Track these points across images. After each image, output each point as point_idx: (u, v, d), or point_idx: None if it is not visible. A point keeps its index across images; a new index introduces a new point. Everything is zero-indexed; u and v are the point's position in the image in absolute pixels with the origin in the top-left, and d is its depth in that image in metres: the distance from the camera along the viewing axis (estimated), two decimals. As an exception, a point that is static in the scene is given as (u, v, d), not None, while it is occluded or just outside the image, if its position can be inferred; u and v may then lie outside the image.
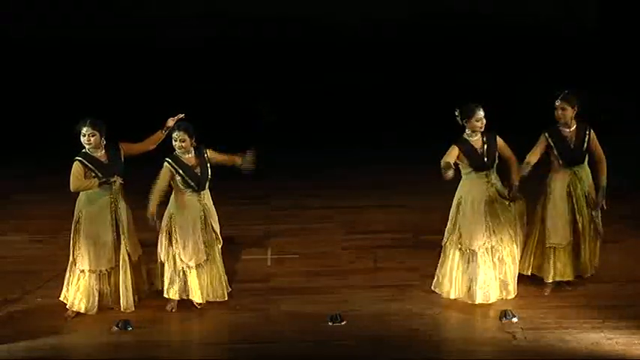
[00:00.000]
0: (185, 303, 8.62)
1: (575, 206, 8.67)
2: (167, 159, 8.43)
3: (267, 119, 13.94)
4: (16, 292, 8.99)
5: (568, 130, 8.58)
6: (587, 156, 8.67)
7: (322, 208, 11.00)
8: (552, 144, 8.58)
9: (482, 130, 8.45)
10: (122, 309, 8.54)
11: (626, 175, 11.35)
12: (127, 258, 8.50)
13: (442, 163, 8.30)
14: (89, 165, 8.34)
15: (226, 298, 8.66)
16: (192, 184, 8.44)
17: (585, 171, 8.72)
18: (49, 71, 14.88)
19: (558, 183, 8.68)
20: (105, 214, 8.45)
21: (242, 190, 11.25)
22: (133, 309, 8.56)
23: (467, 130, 8.48)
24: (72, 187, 8.36)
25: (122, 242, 8.48)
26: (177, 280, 8.53)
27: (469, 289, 8.55)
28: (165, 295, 8.58)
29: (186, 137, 8.37)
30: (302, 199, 11.28)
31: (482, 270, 8.49)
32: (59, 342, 8.25)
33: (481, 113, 8.42)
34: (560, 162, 8.63)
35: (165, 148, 8.52)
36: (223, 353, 8.08)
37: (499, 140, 8.52)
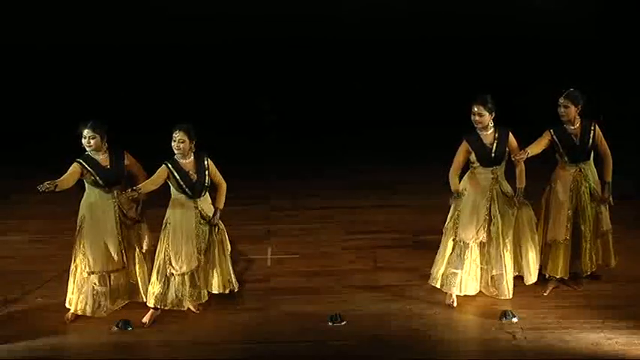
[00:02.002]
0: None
1: (578, 204, 8.68)
2: (166, 162, 8.40)
3: (267, 118, 13.95)
4: (16, 292, 8.99)
5: (572, 127, 8.59)
6: (592, 153, 8.68)
7: (322, 208, 11.01)
8: (557, 141, 8.59)
9: (479, 124, 8.41)
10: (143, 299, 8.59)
11: (626, 176, 11.36)
12: (134, 250, 8.56)
13: (452, 186, 8.41)
14: (89, 168, 8.34)
15: (226, 291, 8.64)
16: (186, 189, 8.39)
17: (591, 168, 8.72)
18: (48, 73, 14.87)
19: (562, 180, 8.69)
20: (110, 218, 8.44)
21: (242, 190, 11.25)
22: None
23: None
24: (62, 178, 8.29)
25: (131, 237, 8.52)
26: (159, 288, 8.47)
27: (448, 278, 8.58)
28: (147, 302, 8.55)
29: (185, 138, 8.31)
30: (302, 199, 11.28)
31: (467, 263, 8.51)
32: (59, 342, 8.25)
33: (475, 108, 8.40)
34: (566, 159, 8.64)
35: (166, 151, 8.51)
36: (223, 353, 8.07)
37: (511, 139, 8.49)
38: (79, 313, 8.52)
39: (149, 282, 8.57)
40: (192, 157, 8.41)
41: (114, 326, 8.38)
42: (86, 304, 8.49)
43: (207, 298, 8.59)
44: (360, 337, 8.21)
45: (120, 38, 15.19)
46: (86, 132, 8.33)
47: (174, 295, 8.46)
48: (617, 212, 9.40)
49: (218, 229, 8.55)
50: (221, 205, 8.56)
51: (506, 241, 8.54)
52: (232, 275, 8.69)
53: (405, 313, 8.58)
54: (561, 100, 8.55)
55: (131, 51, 15.11)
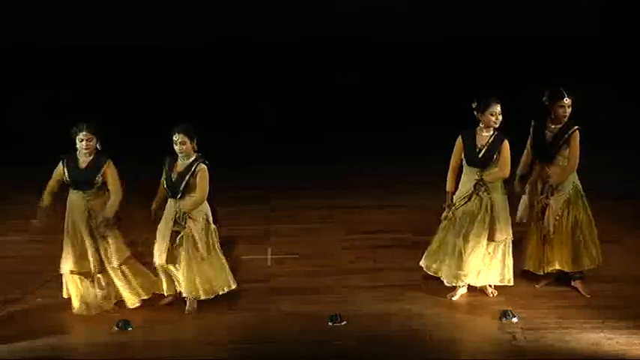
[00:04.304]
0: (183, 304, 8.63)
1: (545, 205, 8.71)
2: (166, 158, 8.44)
3: (267, 118, 13.95)
4: (16, 292, 8.99)
5: (556, 126, 8.57)
6: (558, 156, 8.57)
7: (322, 208, 11.01)
8: (531, 133, 8.66)
9: (497, 126, 8.44)
10: (128, 306, 8.64)
11: (626, 176, 11.37)
12: (105, 262, 8.51)
13: (446, 185, 8.60)
14: (65, 165, 8.39)
15: (200, 297, 8.59)
16: (167, 187, 8.43)
17: (553, 169, 8.63)
18: (48, 73, 14.87)
19: (532, 176, 8.74)
20: (81, 219, 8.44)
21: (242, 190, 11.26)
22: (137, 305, 8.60)
23: (480, 124, 8.48)
24: None
25: (100, 247, 8.49)
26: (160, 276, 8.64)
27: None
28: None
29: (186, 139, 8.29)
30: (302, 199, 11.28)
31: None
32: (59, 342, 8.24)
33: (497, 108, 8.40)
34: (532, 154, 8.69)
35: (166, 152, 8.52)
36: (223, 353, 8.07)
37: (504, 146, 8.43)
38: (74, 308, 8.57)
39: (130, 287, 8.60)
40: (190, 160, 8.39)
41: (114, 326, 8.38)
42: (73, 300, 8.54)
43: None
44: (360, 337, 8.20)
45: (119, 38, 15.20)
46: (83, 134, 8.32)
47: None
48: (617, 212, 9.41)
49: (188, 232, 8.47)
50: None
51: (474, 241, 8.57)
52: (199, 284, 8.52)
53: (405, 313, 8.57)
54: (566, 101, 8.50)
55: (130, 51, 15.11)
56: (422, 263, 8.85)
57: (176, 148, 8.33)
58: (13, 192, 11.47)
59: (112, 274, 8.56)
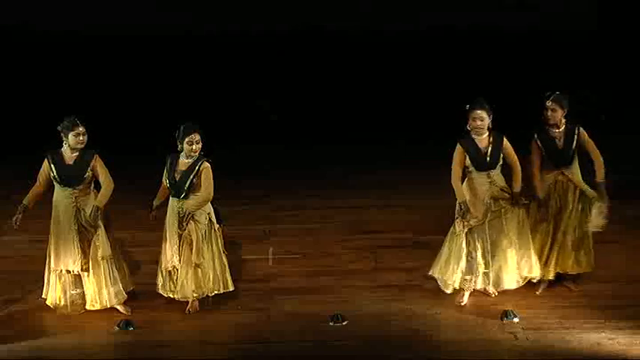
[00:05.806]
0: (185, 303, 8.62)
1: (563, 207, 8.64)
2: (169, 155, 8.40)
3: (267, 118, 13.95)
4: (17, 292, 8.99)
5: (557, 130, 8.56)
6: (575, 157, 8.60)
7: (322, 208, 11.00)
8: (540, 145, 8.57)
9: (482, 129, 8.38)
10: (87, 306, 8.52)
11: (626, 176, 11.37)
12: (90, 258, 8.43)
13: (458, 195, 8.36)
14: (51, 162, 8.38)
15: (203, 295, 8.55)
16: (169, 185, 8.39)
17: (574, 171, 8.64)
18: (48, 72, 14.88)
19: (545, 184, 8.68)
20: (68, 217, 8.40)
21: (242, 190, 11.26)
22: (98, 307, 8.49)
23: (468, 127, 8.46)
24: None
25: (86, 245, 8.42)
26: (163, 279, 8.56)
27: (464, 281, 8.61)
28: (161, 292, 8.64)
29: (200, 138, 8.26)
30: (302, 199, 11.28)
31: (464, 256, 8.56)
32: (59, 342, 8.24)
33: (478, 112, 8.35)
34: (549, 163, 8.63)
35: (164, 153, 8.51)
36: (223, 353, 8.07)
37: (506, 143, 8.45)
38: (53, 307, 8.53)
39: (104, 290, 8.46)
40: (193, 159, 8.36)
41: (115, 326, 8.37)
42: (57, 298, 8.52)
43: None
44: (361, 337, 8.20)
45: (119, 38, 15.20)
46: (81, 129, 8.31)
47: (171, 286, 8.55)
48: (617, 212, 9.38)
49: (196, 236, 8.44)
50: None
51: (506, 244, 8.52)
52: (194, 285, 8.46)
53: (405, 313, 8.57)
54: (548, 104, 8.50)
55: (130, 51, 15.12)
56: (435, 275, 8.69)
57: (192, 147, 8.25)
58: (13, 192, 11.46)
59: (91, 270, 8.42)
